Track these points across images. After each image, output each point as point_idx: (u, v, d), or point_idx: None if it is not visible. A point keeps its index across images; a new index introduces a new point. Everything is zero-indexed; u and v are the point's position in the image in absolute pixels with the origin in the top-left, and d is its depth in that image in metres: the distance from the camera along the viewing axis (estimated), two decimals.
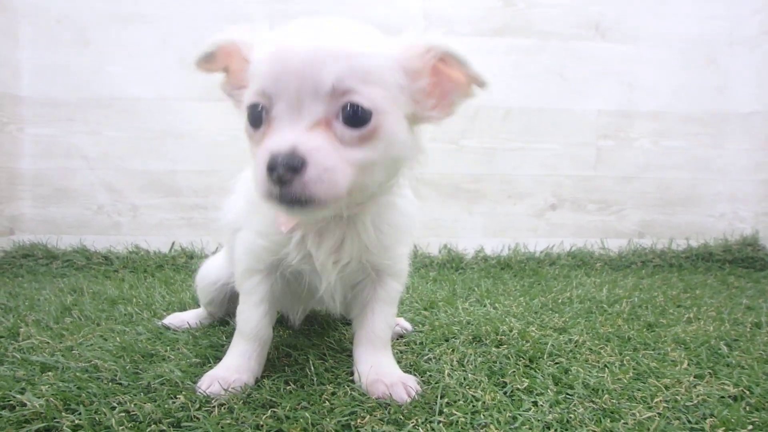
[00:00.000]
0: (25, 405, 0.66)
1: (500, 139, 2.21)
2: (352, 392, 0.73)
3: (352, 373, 0.80)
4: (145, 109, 2.09)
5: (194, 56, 0.70)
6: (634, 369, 0.81)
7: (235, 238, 0.86)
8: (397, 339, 1.03)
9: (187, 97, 2.09)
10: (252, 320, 0.79)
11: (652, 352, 0.91)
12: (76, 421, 0.63)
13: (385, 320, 0.81)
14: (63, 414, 0.65)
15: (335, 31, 0.64)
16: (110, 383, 0.75)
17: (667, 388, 0.73)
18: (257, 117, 0.63)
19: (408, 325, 1.11)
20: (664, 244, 2.26)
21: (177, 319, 1.12)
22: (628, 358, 0.86)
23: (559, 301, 1.38)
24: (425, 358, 0.87)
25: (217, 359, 0.87)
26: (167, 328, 1.10)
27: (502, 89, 2.18)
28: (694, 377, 0.77)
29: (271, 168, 0.57)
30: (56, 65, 2.07)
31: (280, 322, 0.95)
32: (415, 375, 0.79)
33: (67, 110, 2.09)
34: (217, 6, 2.09)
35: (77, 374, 0.77)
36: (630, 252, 2.22)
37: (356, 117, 0.60)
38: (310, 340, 0.99)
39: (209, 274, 1.07)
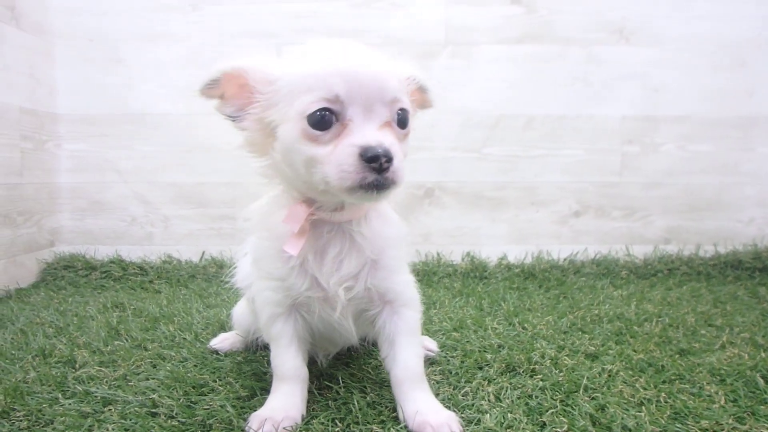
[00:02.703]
0: None
1: (523, 146, 2.20)
2: None
3: (393, 410, 0.84)
4: (174, 124, 2.15)
5: (200, 82, 0.77)
6: (672, 407, 0.83)
7: (252, 293, 0.94)
8: (430, 365, 1.05)
9: (214, 112, 2.12)
10: (287, 361, 0.85)
11: (687, 385, 0.92)
12: None
13: (414, 352, 0.85)
14: None
15: (374, 53, 0.77)
16: (169, 420, 0.80)
17: (707, 431, 0.74)
18: (323, 120, 0.72)
19: (434, 345, 1.13)
20: (690, 251, 2.23)
21: (226, 342, 1.18)
22: (664, 394, 0.87)
23: (588, 319, 1.40)
24: (462, 391, 0.90)
25: (262, 390, 0.91)
26: (212, 352, 1.15)
27: (524, 96, 2.15)
28: (734, 418, 0.78)
29: (371, 157, 0.69)
30: (90, 83, 2.13)
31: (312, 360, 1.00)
32: (454, 410, 0.82)
33: (101, 126, 2.16)
34: (242, 24, 2.12)
35: (137, 409, 0.83)
36: (656, 259, 2.19)
37: (403, 119, 0.77)
38: (348, 368, 1.03)
39: (242, 321, 1.14)
